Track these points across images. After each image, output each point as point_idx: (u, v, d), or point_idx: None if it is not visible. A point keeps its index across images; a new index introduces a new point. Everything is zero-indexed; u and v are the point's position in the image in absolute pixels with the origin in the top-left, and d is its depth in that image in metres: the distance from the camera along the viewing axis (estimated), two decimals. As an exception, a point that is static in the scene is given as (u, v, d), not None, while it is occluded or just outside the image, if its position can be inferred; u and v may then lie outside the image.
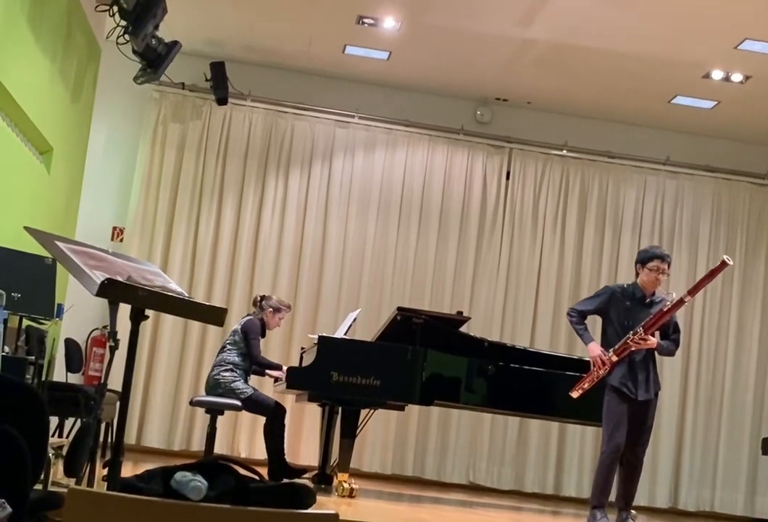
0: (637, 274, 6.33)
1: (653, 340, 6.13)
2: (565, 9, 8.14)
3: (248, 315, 7.82)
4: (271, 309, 7.76)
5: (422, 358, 7.16)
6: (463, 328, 7.92)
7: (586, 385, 6.20)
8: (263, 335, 7.78)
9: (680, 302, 6.02)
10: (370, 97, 10.26)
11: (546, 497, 9.87)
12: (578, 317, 6.42)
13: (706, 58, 8.86)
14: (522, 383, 7.45)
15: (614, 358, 6.11)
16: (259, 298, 7.88)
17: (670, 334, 6.35)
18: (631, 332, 6.09)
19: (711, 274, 6.06)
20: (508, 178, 10.44)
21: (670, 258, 6.35)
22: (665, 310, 6.04)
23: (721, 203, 10.68)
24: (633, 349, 6.10)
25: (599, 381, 6.17)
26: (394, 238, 10.11)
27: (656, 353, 6.33)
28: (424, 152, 10.30)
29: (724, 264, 5.96)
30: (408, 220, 10.15)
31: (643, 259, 6.30)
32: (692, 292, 6.03)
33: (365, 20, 8.78)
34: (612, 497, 6.37)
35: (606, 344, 6.24)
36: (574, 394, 6.25)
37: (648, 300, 6.26)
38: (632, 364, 6.17)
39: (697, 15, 7.98)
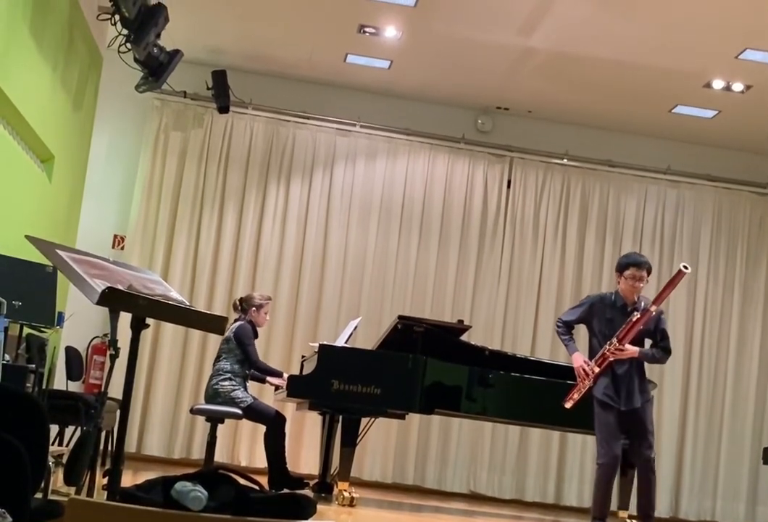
0: (618, 282, 6.29)
1: (632, 350, 6.09)
2: (566, 18, 8.15)
3: (236, 320, 7.74)
4: (254, 308, 7.67)
5: (423, 367, 7.16)
6: (464, 337, 7.92)
7: (575, 396, 6.20)
8: (256, 336, 7.72)
9: (647, 312, 6.00)
10: (372, 106, 10.28)
11: (547, 506, 9.85)
12: (564, 327, 6.41)
13: (707, 68, 8.87)
14: (523, 392, 7.45)
15: (596, 369, 6.10)
16: (238, 302, 7.81)
17: (659, 341, 6.31)
18: (608, 343, 6.07)
19: (671, 284, 6.03)
20: (508, 186, 10.44)
21: (649, 264, 6.21)
22: (634, 320, 6.02)
23: (721, 212, 10.68)
24: (612, 359, 6.07)
25: (587, 391, 6.16)
26: (395, 247, 10.11)
27: (644, 363, 6.29)
28: (425, 161, 10.31)
29: (681, 272, 5.95)
30: (409, 229, 10.16)
31: (620, 266, 6.23)
32: (656, 301, 6.01)
33: (366, 29, 8.79)
34: (613, 506, 6.38)
35: (592, 354, 6.23)
36: (567, 405, 6.24)
37: (630, 308, 6.17)
38: (615, 376, 6.14)
39: (698, 24, 8.00)
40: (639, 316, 5.99)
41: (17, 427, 2.68)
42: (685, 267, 5.95)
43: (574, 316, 6.44)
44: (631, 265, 6.15)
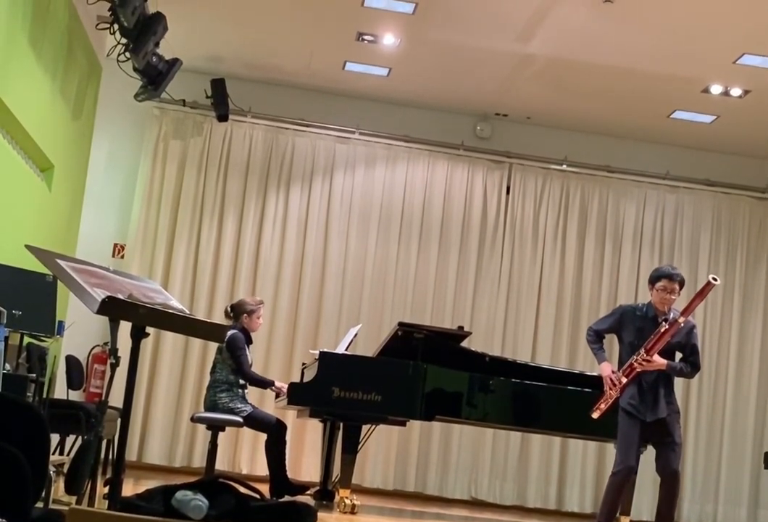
0: (651, 294, 6.27)
1: (660, 362, 6.06)
2: (564, 25, 8.16)
3: (228, 329, 7.59)
4: (245, 314, 7.60)
5: (423, 374, 7.17)
6: (464, 343, 7.92)
7: (602, 406, 6.18)
8: (250, 342, 7.65)
9: (675, 323, 5.99)
10: (371, 113, 10.29)
11: (548, 512, 9.84)
12: (594, 336, 6.39)
13: (705, 73, 8.88)
14: (523, 398, 7.45)
15: (623, 379, 6.08)
16: (229, 309, 7.73)
17: (688, 356, 6.28)
18: (635, 353, 6.06)
19: (700, 295, 6.01)
20: (508, 192, 10.45)
21: (681, 277, 6.15)
22: (662, 331, 6.01)
23: (721, 217, 10.68)
24: (639, 370, 6.05)
25: (614, 402, 6.15)
26: (394, 254, 10.12)
27: (672, 375, 6.26)
28: (424, 168, 10.32)
29: (710, 284, 5.94)
30: (408, 236, 10.16)
31: (652, 278, 6.23)
32: (684, 313, 6.00)
33: (365, 37, 8.81)
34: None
35: (621, 364, 6.21)
36: (594, 415, 6.23)
37: (660, 320, 6.14)
38: (641, 386, 6.12)
39: (696, 30, 8.01)
40: (667, 327, 5.97)
41: (18, 437, 2.68)
42: (714, 279, 5.93)
43: (604, 325, 6.43)
44: (662, 277, 6.14)
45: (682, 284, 6.17)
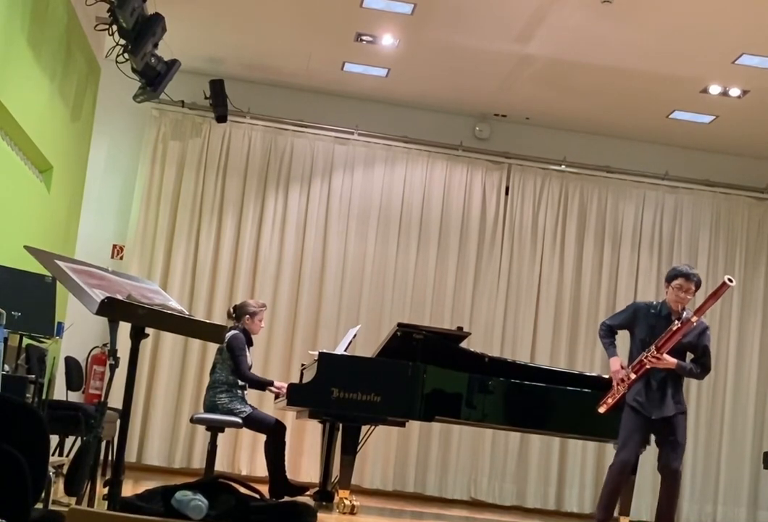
0: (666, 292, 6.28)
1: (671, 360, 6.05)
2: (563, 25, 8.17)
3: (230, 329, 7.57)
4: (247, 315, 7.61)
5: (423, 374, 7.17)
6: (464, 344, 7.92)
7: (609, 401, 6.19)
8: (251, 344, 7.65)
9: (688, 322, 5.99)
10: (369, 114, 10.29)
11: (547, 513, 9.84)
12: (606, 331, 6.41)
13: (704, 73, 8.89)
14: (522, 398, 7.45)
15: (632, 375, 6.09)
16: (232, 310, 7.76)
17: (699, 357, 6.28)
18: (646, 350, 6.07)
19: (714, 296, 6.00)
20: (507, 193, 10.45)
21: (698, 278, 6.16)
22: (674, 329, 6.02)
23: (720, 217, 10.69)
24: (648, 367, 6.06)
25: (621, 397, 6.16)
26: (393, 254, 10.12)
27: (681, 375, 6.26)
28: (423, 168, 10.32)
29: (725, 285, 5.93)
30: (408, 236, 10.16)
31: (669, 276, 6.25)
32: (697, 312, 6.00)
33: (364, 37, 8.81)
34: (615, 511, 6.37)
35: (632, 360, 6.22)
36: (601, 410, 6.24)
37: (673, 318, 6.14)
38: (648, 383, 6.13)
39: (695, 30, 8.02)
40: (679, 325, 5.98)
41: (17, 438, 2.68)
42: (730, 280, 5.92)
43: (617, 320, 6.46)
44: (679, 275, 6.15)
45: (698, 285, 6.18)
